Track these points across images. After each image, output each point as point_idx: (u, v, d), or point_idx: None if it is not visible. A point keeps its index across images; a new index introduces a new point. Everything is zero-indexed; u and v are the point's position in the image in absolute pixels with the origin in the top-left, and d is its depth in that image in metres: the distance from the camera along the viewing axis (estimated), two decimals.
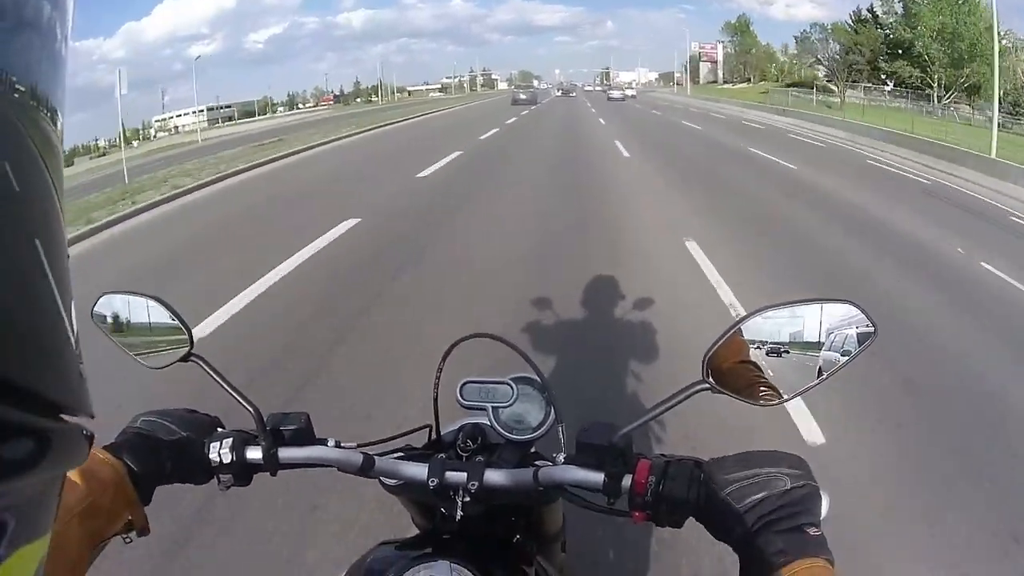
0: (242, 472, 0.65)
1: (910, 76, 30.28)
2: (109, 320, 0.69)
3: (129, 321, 0.69)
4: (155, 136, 42.88)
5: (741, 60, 51.43)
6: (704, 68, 56.29)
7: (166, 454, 0.62)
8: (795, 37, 37.11)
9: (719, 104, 31.92)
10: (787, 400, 0.57)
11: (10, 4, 0.19)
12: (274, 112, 51.38)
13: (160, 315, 0.68)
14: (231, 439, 0.65)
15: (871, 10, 35.87)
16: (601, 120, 21.02)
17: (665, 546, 1.82)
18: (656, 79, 73.08)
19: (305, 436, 0.67)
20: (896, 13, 32.51)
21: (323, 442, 0.67)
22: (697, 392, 0.58)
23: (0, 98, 0.19)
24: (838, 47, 34.81)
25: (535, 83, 75.73)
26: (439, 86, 72.62)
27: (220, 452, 0.64)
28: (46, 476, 0.21)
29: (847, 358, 0.56)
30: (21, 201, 0.20)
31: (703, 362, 0.58)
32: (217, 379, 0.66)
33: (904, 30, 30.66)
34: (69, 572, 0.51)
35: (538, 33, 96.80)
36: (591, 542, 1.76)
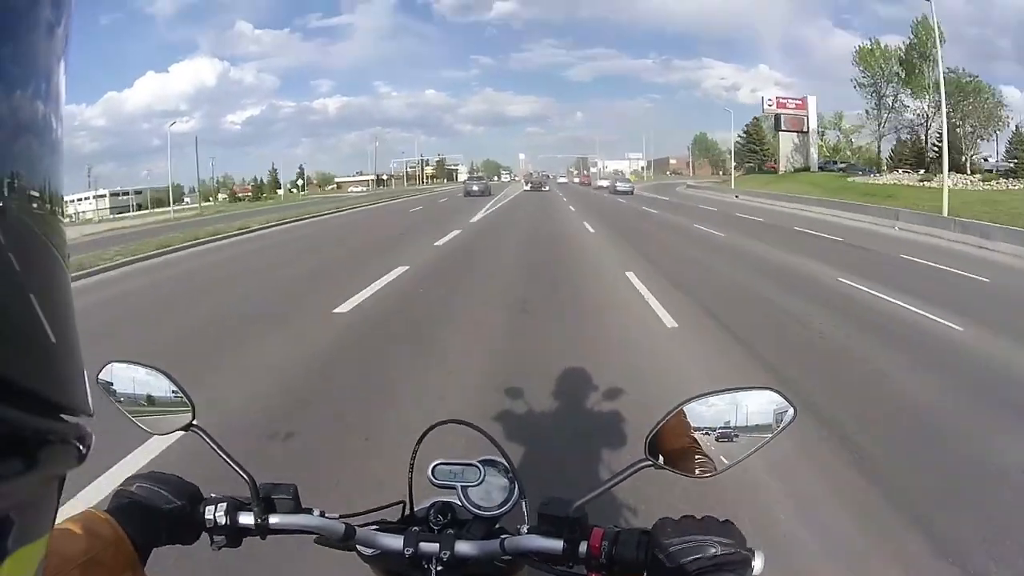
0: (234, 535, 0.70)
1: None
2: (114, 387, 0.73)
3: (132, 390, 0.73)
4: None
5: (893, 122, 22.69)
6: (786, 144, 34.48)
7: (163, 523, 0.67)
8: None
9: None
10: (720, 472, 0.63)
11: (6, 111, 0.20)
12: (180, 201, 46.55)
13: (164, 385, 0.73)
14: (225, 504, 0.70)
15: None
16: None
17: None
18: (643, 168, 63.35)
19: (293, 506, 0.73)
20: None
21: (309, 511, 0.73)
22: (641, 468, 0.64)
23: (19, 210, 0.20)
24: None
25: (503, 174, 67.10)
26: (372, 178, 58.71)
27: (215, 515, 0.70)
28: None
29: (770, 435, 0.63)
30: (23, 277, 0.21)
31: (645, 443, 0.64)
32: (216, 449, 0.71)
33: None
34: None
35: (510, 124, 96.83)
36: None
